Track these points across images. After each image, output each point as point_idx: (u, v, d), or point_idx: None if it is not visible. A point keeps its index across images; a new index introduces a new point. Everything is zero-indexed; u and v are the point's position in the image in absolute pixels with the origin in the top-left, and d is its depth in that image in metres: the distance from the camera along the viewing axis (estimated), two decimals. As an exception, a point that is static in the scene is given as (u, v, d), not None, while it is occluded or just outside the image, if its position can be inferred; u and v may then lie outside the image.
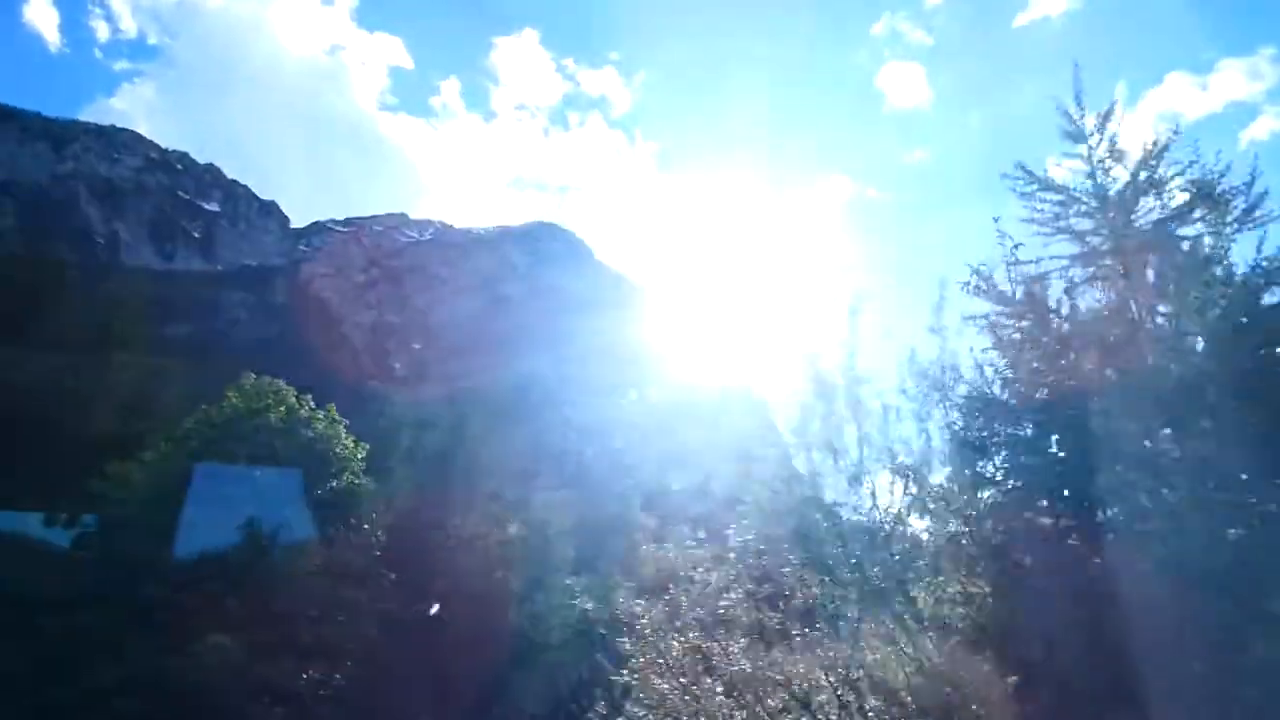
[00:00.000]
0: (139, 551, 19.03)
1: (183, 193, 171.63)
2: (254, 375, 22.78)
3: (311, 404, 21.46)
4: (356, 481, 21.17)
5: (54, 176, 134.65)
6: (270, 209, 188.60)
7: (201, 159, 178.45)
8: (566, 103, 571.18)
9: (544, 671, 26.24)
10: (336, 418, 21.68)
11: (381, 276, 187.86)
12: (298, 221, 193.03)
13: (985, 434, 11.09)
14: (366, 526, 21.81)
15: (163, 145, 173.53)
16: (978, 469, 11.22)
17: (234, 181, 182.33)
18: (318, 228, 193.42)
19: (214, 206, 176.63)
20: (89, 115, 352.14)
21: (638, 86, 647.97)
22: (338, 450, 21.16)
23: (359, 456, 21.64)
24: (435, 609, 22.04)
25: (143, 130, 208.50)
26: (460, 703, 23.08)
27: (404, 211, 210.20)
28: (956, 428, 11.15)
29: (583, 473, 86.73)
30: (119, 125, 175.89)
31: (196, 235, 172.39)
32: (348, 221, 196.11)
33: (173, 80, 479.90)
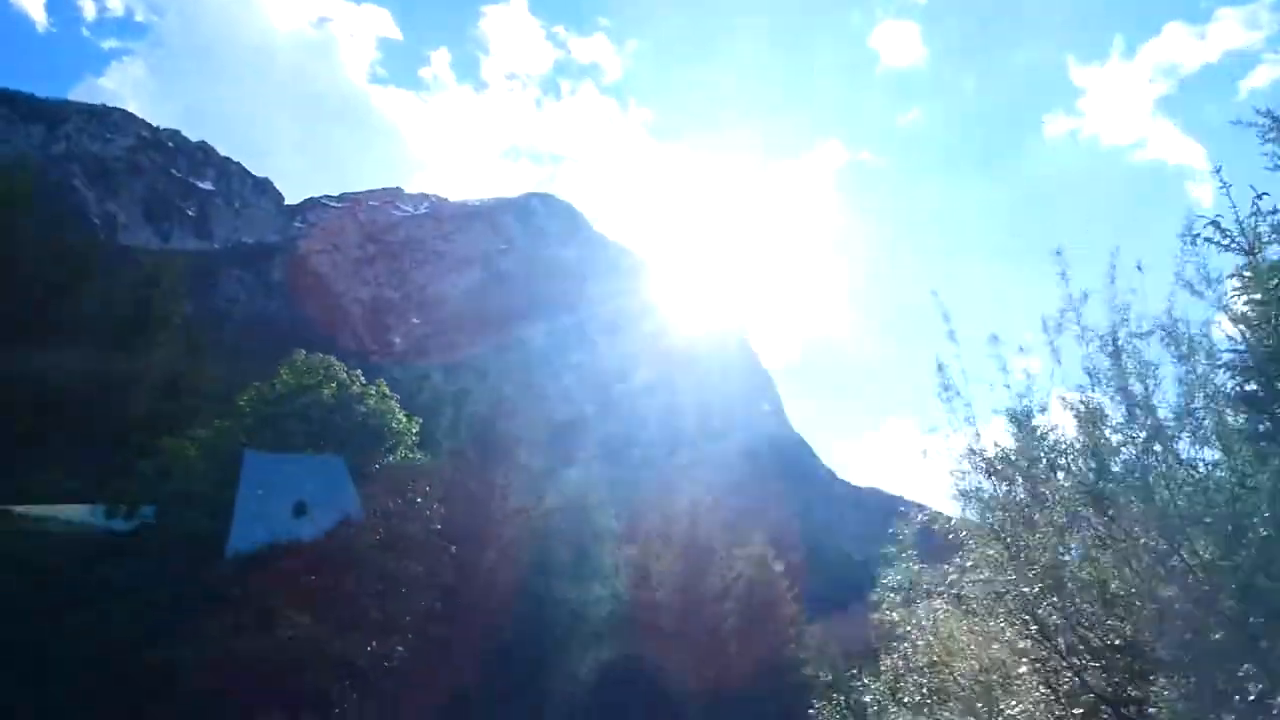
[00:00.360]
0: (203, 530, 19.84)
1: (176, 171, 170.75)
2: (304, 352, 23.54)
3: (362, 379, 22.23)
4: (410, 456, 22.01)
5: (48, 157, 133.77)
6: (264, 186, 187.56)
7: (193, 137, 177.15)
8: (557, 70, 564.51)
9: (590, 643, 27.86)
10: (387, 393, 22.42)
11: (378, 252, 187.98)
12: (291, 198, 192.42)
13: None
14: (420, 500, 22.61)
15: (154, 124, 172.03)
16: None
17: (226, 159, 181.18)
18: (312, 203, 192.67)
19: (208, 185, 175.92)
20: (78, 95, 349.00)
21: (629, 53, 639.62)
22: (392, 425, 21.94)
23: (413, 431, 22.43)
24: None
25: (133, 109, 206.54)
26: (512, 672, 24.45)
27: (398, 185, 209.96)
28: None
29: (599, 442, 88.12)
30: (109, 105, 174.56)
31: (191, 214, 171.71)
32: (342, 197, 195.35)
33: (161, 58, 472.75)
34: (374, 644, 20.00)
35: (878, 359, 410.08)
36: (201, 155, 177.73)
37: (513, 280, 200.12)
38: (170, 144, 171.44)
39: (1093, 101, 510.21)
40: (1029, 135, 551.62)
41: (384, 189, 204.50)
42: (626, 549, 32.59)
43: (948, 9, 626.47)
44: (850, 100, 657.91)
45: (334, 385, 23.28)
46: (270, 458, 22.36)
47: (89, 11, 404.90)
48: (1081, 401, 14.32)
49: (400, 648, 20.55)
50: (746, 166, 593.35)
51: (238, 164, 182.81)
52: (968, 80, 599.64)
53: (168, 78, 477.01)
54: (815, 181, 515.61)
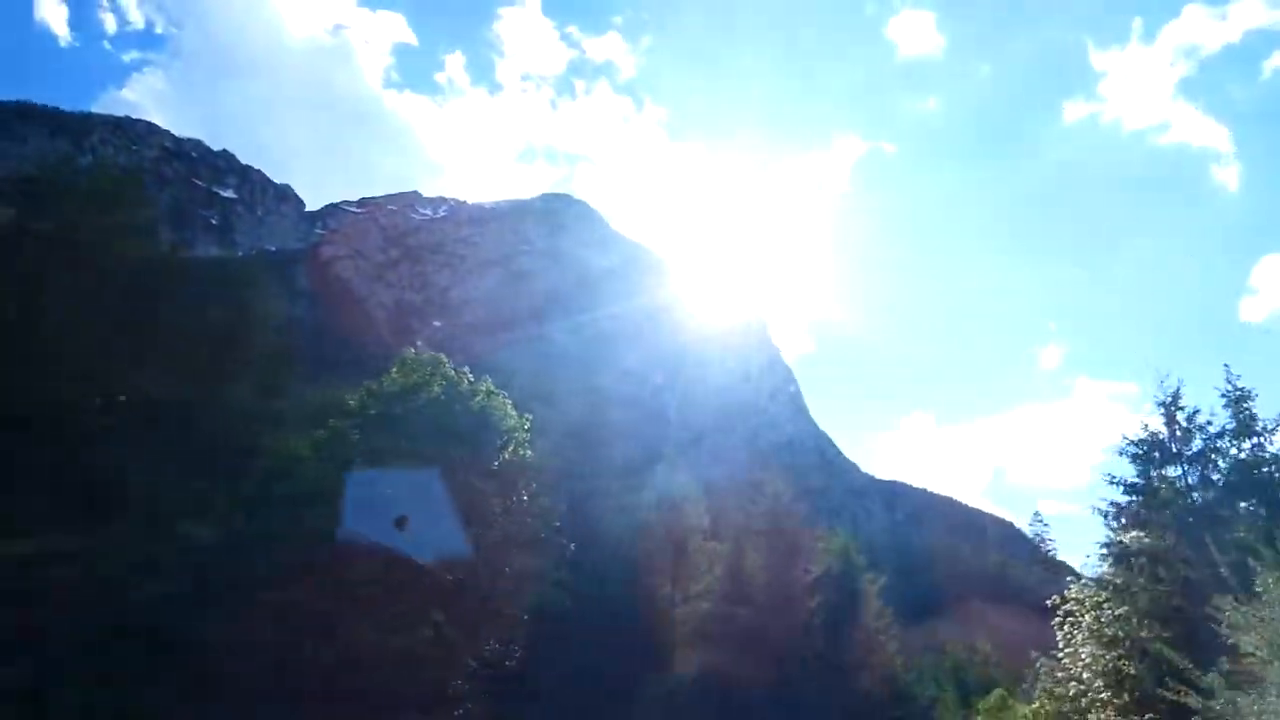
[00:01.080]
0: (324, 531, 19.98)
1: (198, 180, 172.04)
2: (413, 350, 23.66)
3: (470, 377, 22.21)
4: (523, 453, 22.00)
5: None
6: (285, 193, 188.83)
7: (215, 146, 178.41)
8: (572, 70, 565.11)
9: (694, 639, 28.17)
10: (493, 389, 22.42)
11: (400, 256, 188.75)
12: (312, 204, 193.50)
13: None
14: (542, 498, 22.80)
15: (176, 134, 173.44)
16: None
17: (248, 167, 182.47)
18: (332, 209, 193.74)
19: (230, 193, 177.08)
20: (101, 107, 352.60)
21: (643, 51, 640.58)
22: (507, 423, 21.92)
23: (524, 428, 22.41)
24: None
25: (156, 120, 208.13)
26: (627, 667, 24.70)
27: (416, 189, 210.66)
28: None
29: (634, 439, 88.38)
30: (133, 116, 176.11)
31: (214, 222, 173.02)
32: (362, 202, 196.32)
33: (181, 69, 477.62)
34: (493, 640, 20.24)
35: (896, 352, 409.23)
36: (223, 163, 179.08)
37: (533, 280, 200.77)
38: (193, 153, 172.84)
39: (1113, 85, 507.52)
40: (1049, 121, 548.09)
41: (402, 193, 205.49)
42: (715, 544, 32.80)
43: None
44: (867, 91, 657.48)
45: (443, 382, 23.40)
46: (369, 475, 22.37)
47: (110, 25, 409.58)
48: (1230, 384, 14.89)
49: (517, 648, 20.77)
50: (763, 161, 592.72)
51: (259, 172, 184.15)
52: (985, 67, 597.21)
53: (188, 88, 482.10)
54: (833, 174, 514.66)
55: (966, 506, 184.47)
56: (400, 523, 22.01)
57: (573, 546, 23.02)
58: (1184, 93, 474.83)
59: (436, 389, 22.69)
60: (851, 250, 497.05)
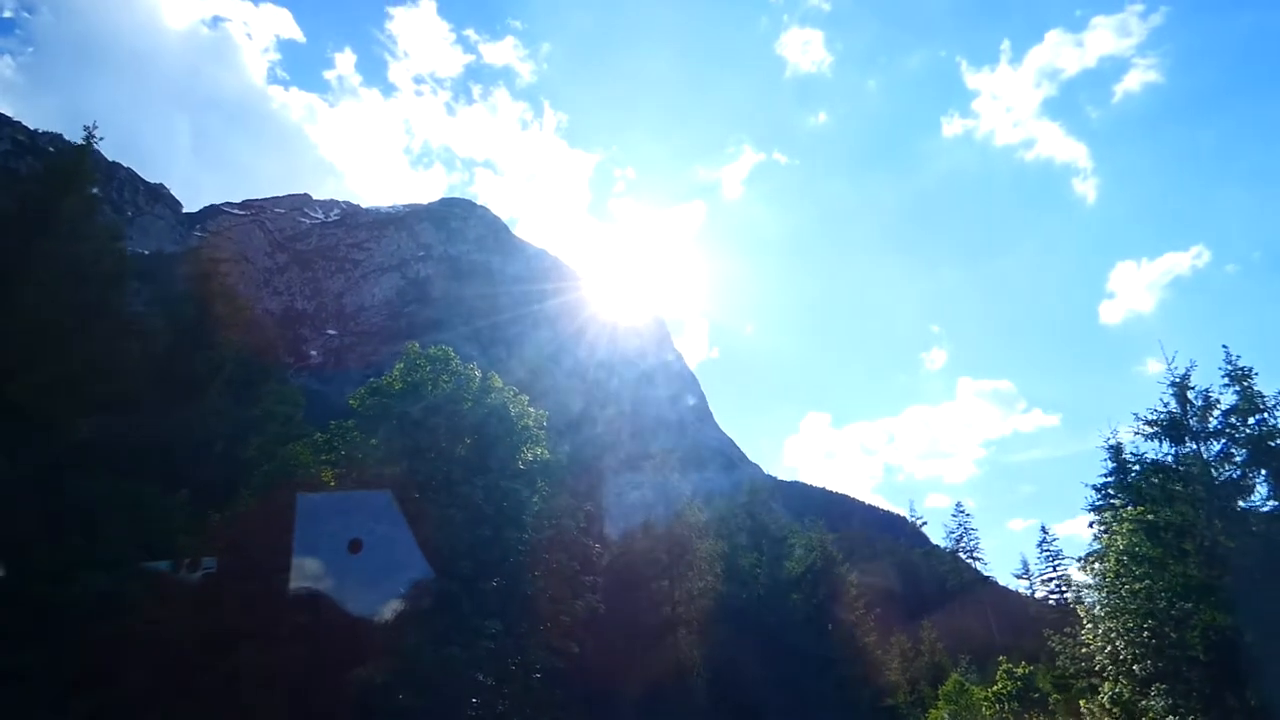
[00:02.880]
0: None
1: None
2: (416, 344, 22.67)
3: (478, 371, 21.31)
4: (542, 452, 21.20)
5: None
6: (159, 193, 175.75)
7: (76, 141, 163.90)
8: (469, 74, 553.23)
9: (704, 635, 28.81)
10: (501, 385, 21.67)
11: (289, 261, 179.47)
12: (190, 205, 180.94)
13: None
14: (563, 497, 22.37)
15: (30, 126, 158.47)
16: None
17: (115, 164, 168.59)
18: (213, 211, 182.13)
19: (94, 191, 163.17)
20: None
21: (543, 57, 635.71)
22: (528, 422, 21.07)
23: (541, 425, 21.65)
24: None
25: (4, 111, 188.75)
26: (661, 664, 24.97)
27: (306, 192, 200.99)
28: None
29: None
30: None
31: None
32: (246, 204, 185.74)
33: (34, 57, 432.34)
34: (553, 642, 20.06)
35: (790, 354, 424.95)
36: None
37: (431, 286, 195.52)
38: (51, 148, 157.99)
39: (985, 103, 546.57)
40: (929, 135, 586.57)
41: (290, 195, 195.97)
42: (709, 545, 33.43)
43: (850, 16, 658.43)
44: (760, 103, 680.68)
45: (449, 377, 23.01)
46: (320, 498, 21.82)
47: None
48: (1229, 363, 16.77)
49: (576, 648, 20.66)
50: (661, 168, 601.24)
51: (128, 169, 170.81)
52: (870, 84, 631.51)
53: (42, 77, 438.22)
54: (728, 182, 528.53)
55: (861, 503, 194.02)
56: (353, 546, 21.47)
57: (597, 547, 23.20)
58: (1047, 111, 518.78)
59: (445, 385, 22.32)
60: (748, 257, 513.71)
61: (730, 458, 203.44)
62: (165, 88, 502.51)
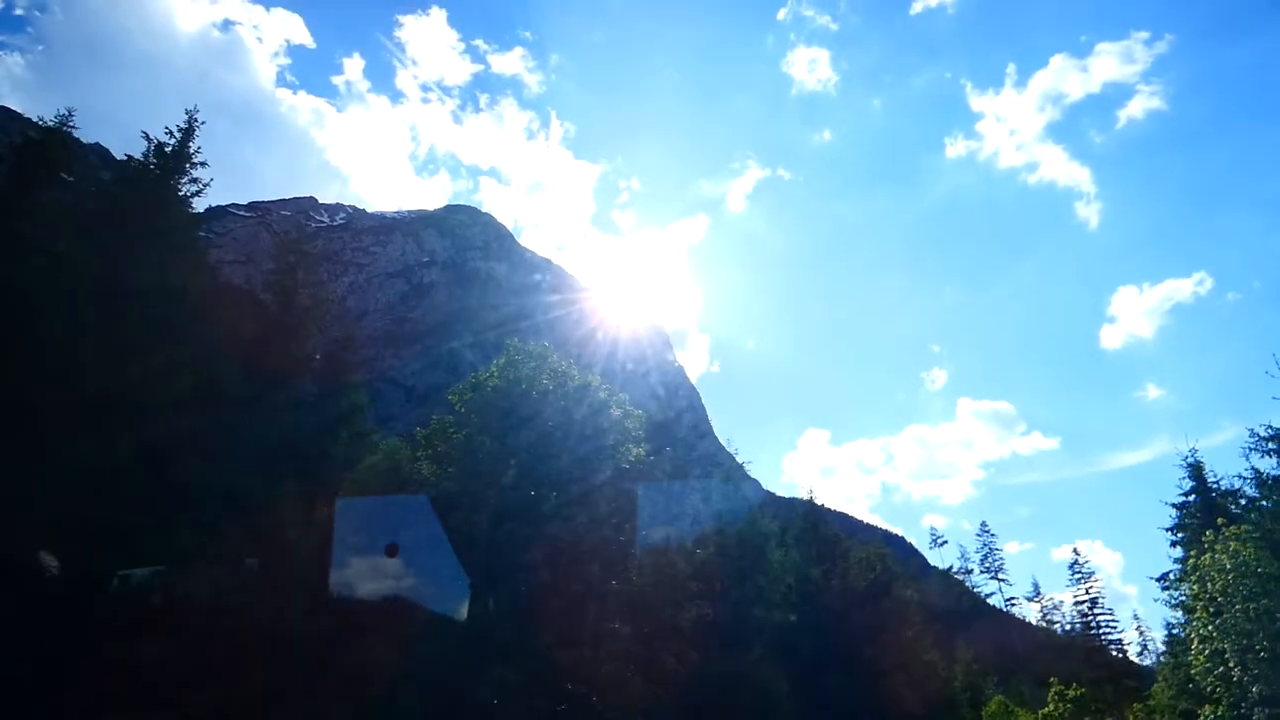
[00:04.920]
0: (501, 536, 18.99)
1: (66, 175, 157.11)
2: (516, 340, 22.90)
3: (575, 370, 21.61)
4: (639, 452, 21.44)
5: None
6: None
7: (86, 139, 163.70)
8: (477, 83, 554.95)
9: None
10: (599, 383, 21.93)
11: (295, 263, 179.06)
12: (197, 205, 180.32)
13: None
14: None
15: (40, 123, 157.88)
16: None
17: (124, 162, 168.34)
18: (219, 212, 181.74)
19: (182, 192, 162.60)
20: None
21: (551, 69, 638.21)
22: (630, 423, 21.31)
23: (639, 425, 21.93)
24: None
25: (14, 107, 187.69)
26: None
27: (312, 195, 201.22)
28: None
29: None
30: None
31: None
32: (252, 206, 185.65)
33: (45, 55, 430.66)
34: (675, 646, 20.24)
35: (790, 370, 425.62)
36: (96, 158, 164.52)
37: (435, 293, 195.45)
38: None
39: (989, 125, 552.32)
40: (932, 156, 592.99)
41: (297, 198, 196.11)
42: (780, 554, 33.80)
43: (856, 36, 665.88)
44: (765, 120, 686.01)
45: (550, 375, 23.48)
46: (360, 502, 22.11)
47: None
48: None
49: (695, 653, 20.81)
50: (665, 182, 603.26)
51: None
52: (875, 103, 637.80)
53: (53, 76, 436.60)
54: (732, 197, 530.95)
55: (860, 521, 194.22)
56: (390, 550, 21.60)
57: (698, 551, 23.45)
58: (1051, 135, 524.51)
59: (548, 383, 22.69)
60: (751, 272, 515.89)
61: (729, 471, 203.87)
62: (174, 89, 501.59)
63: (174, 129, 25.11)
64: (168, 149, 23.92)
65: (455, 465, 21.71)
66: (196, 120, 23.61)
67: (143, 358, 22.07)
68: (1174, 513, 22.38)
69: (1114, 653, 55.09)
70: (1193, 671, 19.08)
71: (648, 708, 18.81)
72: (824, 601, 32.84)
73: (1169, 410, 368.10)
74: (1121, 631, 76.82)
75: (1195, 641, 18.08)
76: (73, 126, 25.35)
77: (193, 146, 24.17)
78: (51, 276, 23.01)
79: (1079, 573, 57.80)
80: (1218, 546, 17.90)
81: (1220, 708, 16.14)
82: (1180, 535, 22.26)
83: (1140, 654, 77.06)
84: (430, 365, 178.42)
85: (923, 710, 32.26)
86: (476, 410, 22.64)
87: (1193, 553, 19.31)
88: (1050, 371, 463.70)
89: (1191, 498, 21.66)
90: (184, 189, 22.88)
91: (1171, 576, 22.04)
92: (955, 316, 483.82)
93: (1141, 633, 74.99)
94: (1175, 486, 22.21)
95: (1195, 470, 21.61)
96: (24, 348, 20.62)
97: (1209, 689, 17.11)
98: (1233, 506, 20.78)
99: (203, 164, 24.94)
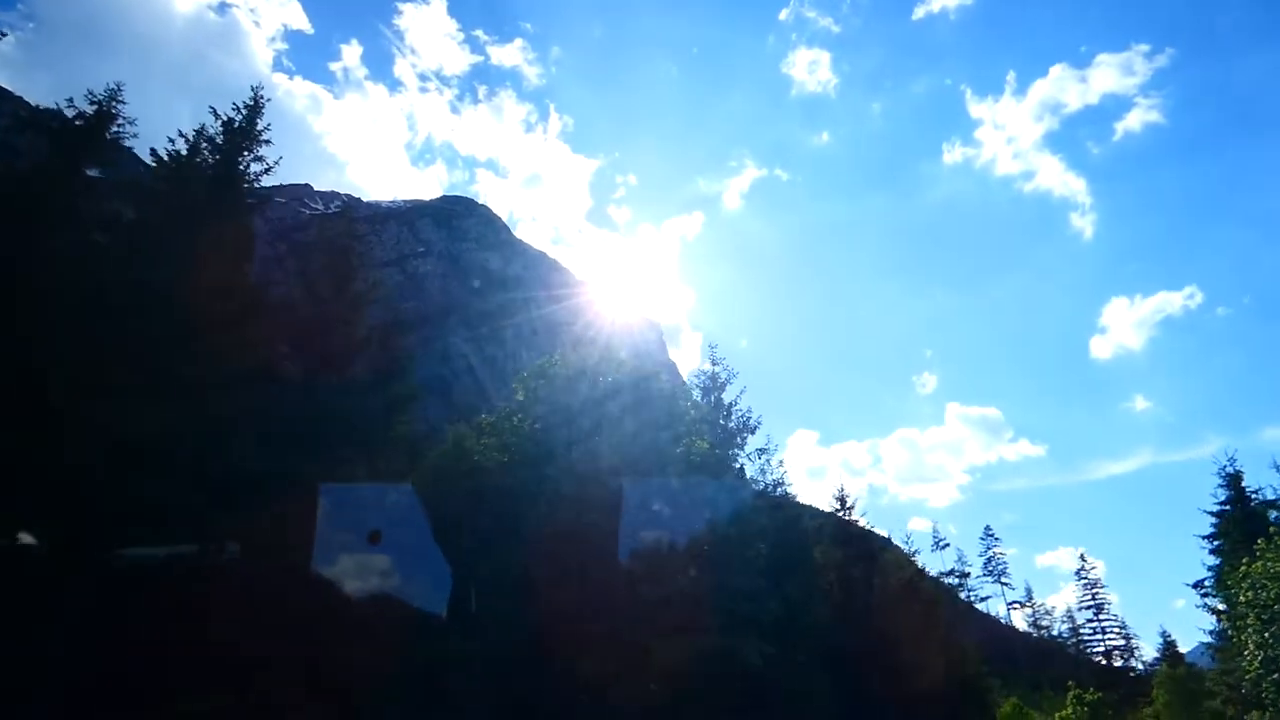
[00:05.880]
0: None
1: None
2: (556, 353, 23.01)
3: (634, 361, 21.63)
4: (703, 444, 21.48)
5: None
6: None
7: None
8: (476, 74, 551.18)
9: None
10: (660, 372, 21.88)
11: (287, 251, 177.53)
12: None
13: None
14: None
15: (32, 102, 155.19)
16: None
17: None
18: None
19: (94, 172, 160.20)
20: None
21: (551, 61, 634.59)
22: (693, 413, 21.25)
23: (705, 419, 21.90)
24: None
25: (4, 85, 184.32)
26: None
27: (308, 182, 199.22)
28: None
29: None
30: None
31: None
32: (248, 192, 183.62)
33: (34, 33, 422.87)
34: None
35: (781, 370, 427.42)
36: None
37: (430, 283, 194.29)
38: (53, 125, 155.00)
39: (987, 133, 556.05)
40: (930, 161, 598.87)
41: (292, 185, 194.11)
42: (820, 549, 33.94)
43: (858, 39, 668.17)
44: (764, 120, 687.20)
45: (614, 365, 23.37)
46: (342, 489, 21.87)
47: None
48: None
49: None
50: (662, 179, 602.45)
51: (129, 150, 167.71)
52: (874, 106, 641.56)
53: (44, 56, 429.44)
54: (728, 195, 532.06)
55: (846, 522, 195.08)
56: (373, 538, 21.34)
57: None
58: (1049, 145, 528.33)
59: (619, 374, 22.60)
60: (745, 271, 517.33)
61: (716, 469, 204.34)
62: (169, 71, 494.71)
63: (240, 105, 24.67)
64: (236, 125, 23.53)
65: (518, 454, 21.57)
66: (263, 98, 23.23)
67: (206, 337, 21.78)
68: (1212, 520, 22.57)
69: (1118, 658, 55.78)
70: (1246, 677, 19.13)
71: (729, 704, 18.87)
72: (864, 601, 33.06)
73: (1156, 422, 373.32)
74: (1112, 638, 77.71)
75: (1250, 647, 18.14)
76: (121, 102, 24.82)
77: (260, 124, 23.78)
78: (115, 253, 22.65)
79: (1085, 578, 58.43)
80: (1269, 554, 17.87)
81: (1269, 713, 16.18)
82: (1218, 543, 22.41)
83: (1127, 660, 77.94)
84: (424, 356, 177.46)
85: (959, 710, 32.52)
86: (545, 398, 22.52)
87: (1244, 560, 19.37)
88: (1039, 380, 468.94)
89: (1229, 507, 21.82)
90: (251, 168, 22.55)
91: (1207, 583, 22.13)
92: (947, 322, 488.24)
93: (1128, 639, 75.95)
94: (1210, 495, 22.26)
95: (1233, 480, 21.81)
96: (90, 324, 20.27)
97: (1265, 695, 17.20)
98: (1274, 512, 20.83)
99: (268, 142, 24.54)
